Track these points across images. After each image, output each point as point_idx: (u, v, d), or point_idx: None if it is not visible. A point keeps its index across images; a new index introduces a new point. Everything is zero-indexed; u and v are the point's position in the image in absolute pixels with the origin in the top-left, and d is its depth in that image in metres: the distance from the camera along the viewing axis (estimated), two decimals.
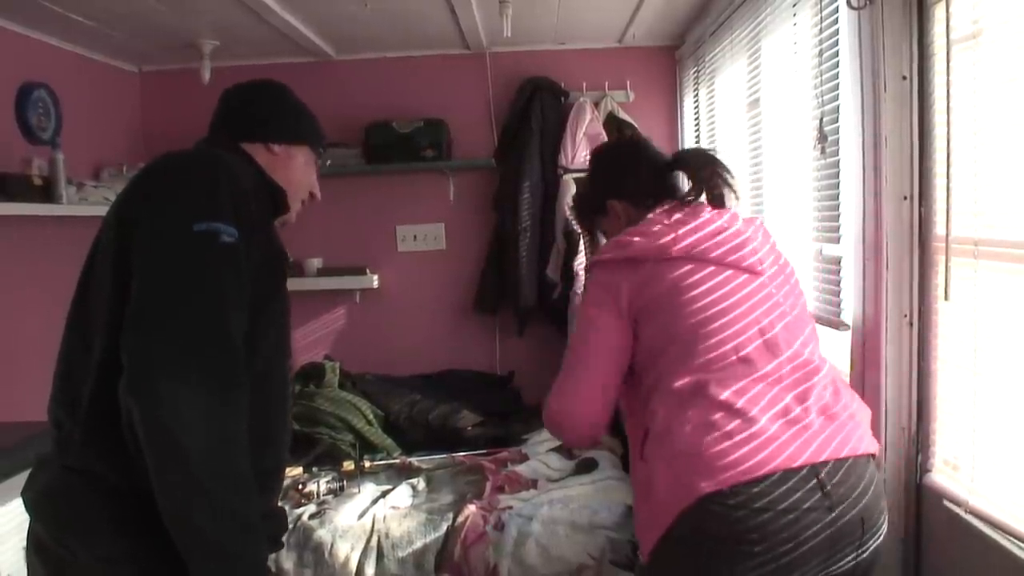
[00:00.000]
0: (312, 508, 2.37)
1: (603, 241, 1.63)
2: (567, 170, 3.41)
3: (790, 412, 1.30)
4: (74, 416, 1.19)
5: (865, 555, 1.31)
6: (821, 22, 1.96)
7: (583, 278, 1.45)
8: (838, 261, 1.95)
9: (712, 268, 1.40)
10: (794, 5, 2.17)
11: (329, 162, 1.52)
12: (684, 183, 1.57)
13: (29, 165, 2.60)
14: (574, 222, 1.69)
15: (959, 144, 1.55)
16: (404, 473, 2.66)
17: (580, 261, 3.15)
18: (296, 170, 1.42)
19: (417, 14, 2.95)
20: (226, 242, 1.14)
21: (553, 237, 3.40)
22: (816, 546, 1.24)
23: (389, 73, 3.60)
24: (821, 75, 1.96)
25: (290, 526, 2.22)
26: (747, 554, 1.23)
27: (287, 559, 2.21)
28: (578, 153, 3.41)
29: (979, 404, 1.51)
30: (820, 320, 2.07)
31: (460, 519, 2.25)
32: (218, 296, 1.13)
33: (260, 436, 1.19)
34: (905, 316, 1.74)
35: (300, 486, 2.49)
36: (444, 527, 2.25)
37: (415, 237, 3.69)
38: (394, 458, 2.79)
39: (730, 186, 1.55)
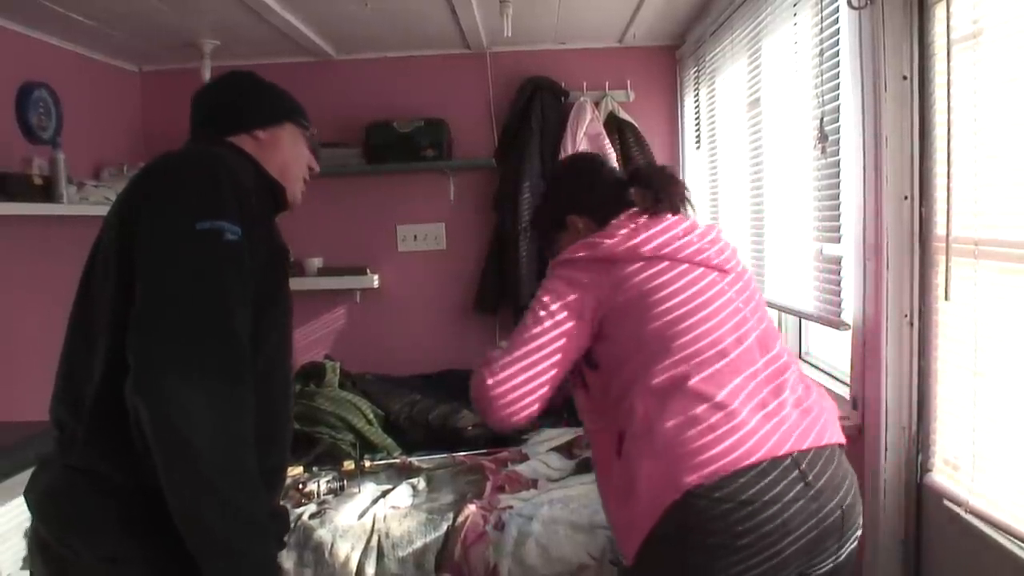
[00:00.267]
0: (312, 508, 2.37)
1: None
2: None
3: (767, 405, 1.33)
4: (78, 416, 1.19)
5: (842, 557, 1.34)
6: (822, 22, 1.96)
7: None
8: (838, 261, 1.95)
9: (685, 266, 1.42)
10: (794, 5, 2.17)
11: (317, 131, 1.51)
12: (643, 198, 1.57)
13: (30, 165, 2.60)
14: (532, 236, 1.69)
15: (959, 144, 1.55)
16: (404, 473, 2.66)
17: None
18: (287, 150, 1.42)
19: (417, 14, 2.95)
20: (230, 240, 1.14)
21: None
22: (801, 537, 1.25)
23: (389, 73, 3.60)
24: (822, 75, 1.96)
25: (290, 526, 2.22)
26: (733, 548, 1.23)
27: (287, 559, 2.21)
28: None
29: (979, 404, 1.51)
30: (820, 320, 2.08)
31: (460, 519, 2.25)
32: (223, 294, 1.13)
33: (264, 435, 1.19)
34: (905, 316, 1.74)
35: (300, 486, 2.49)
36: (444, 527, 2.25)
37: (415, 237, 3.69)
38: (394, 458, 2.79)
39: (689, 201, 1.57)
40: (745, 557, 1.24)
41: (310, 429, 2.79)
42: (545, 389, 1.41)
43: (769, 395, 1.34)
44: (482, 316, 3.62)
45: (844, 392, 2.05)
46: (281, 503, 1.47)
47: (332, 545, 2.21)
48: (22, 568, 1.98)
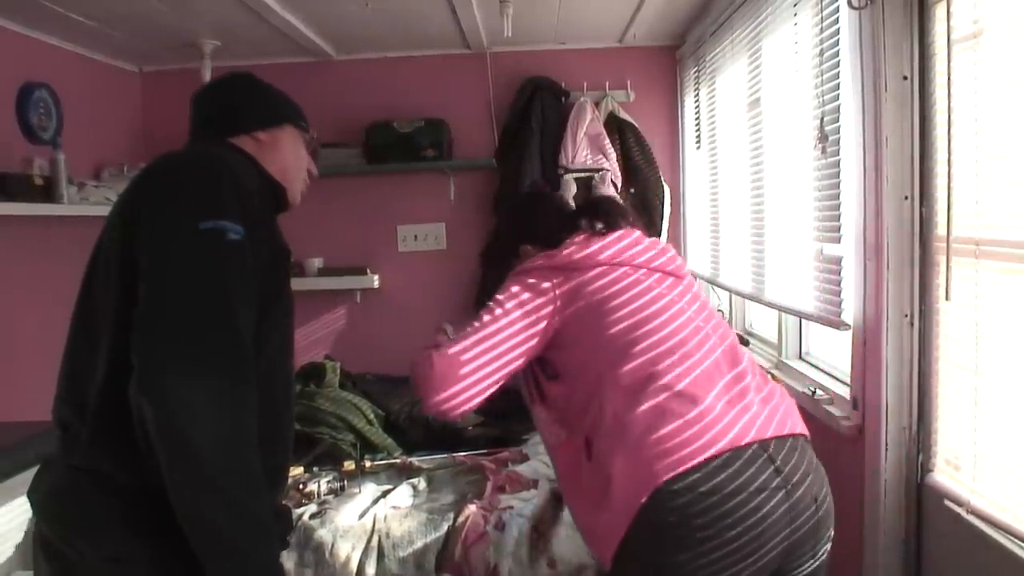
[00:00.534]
0: (313, 508, 2.37)
1: None
2: (567, 170, 3.41)
3: (732, 394, 1.36)
4: (82, 416, 1.19)
5: (822, 558, 1.36)
6: (822, 22, 1.96)
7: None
8: (839, 261, 1.95)
9: (642, 272, 1.48)
10: (795, 5, 2.17)
11: (316, 133, 1.52)
12: (592, 226, 1.60)
13: (30, 165, 2.60)
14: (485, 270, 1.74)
15: (960, 144, 1.55)
16: (405, 473, 2.66)
17: None
18: (287, 152, 1.42)
19: (417, 14, 2.95)
20: (233, 239, 1.14)
21: None
22: (777, 527, 1.26)
23: (389, 73, 3.60)
24: (822, 75, 1.96)
25: (293, 525, 2.22)
26: (708, 540, 1.24)
27: (288, 559, 2.21)
28: (579, 153, 3.41)
29: (981, 404, 1.51)
30: (821, 320, 2.08)
31: (461, 519, 2.25)
32: (226, 293, 1.13)
33: (266, 435, 1.19)
34: (906, 316, 1.74)
35: (301, 486, 2.49)
36: (445, 527, 2.25)
37: (416, 237, 3.69)
38: (395, 458, 2.78)
39: (637, 225, 1.61)
40: (720, 545, 1.24)
41: (310, 429, 2.79)
42: (488, 382, 1.42)
43: (732, 383, 1.38)
44: None
45: (844, 392, 2.05)
46: (283, 503, 1.47)
47: (333, 545, 2.21)
48: (13, 571, 1.98)
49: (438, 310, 3.68)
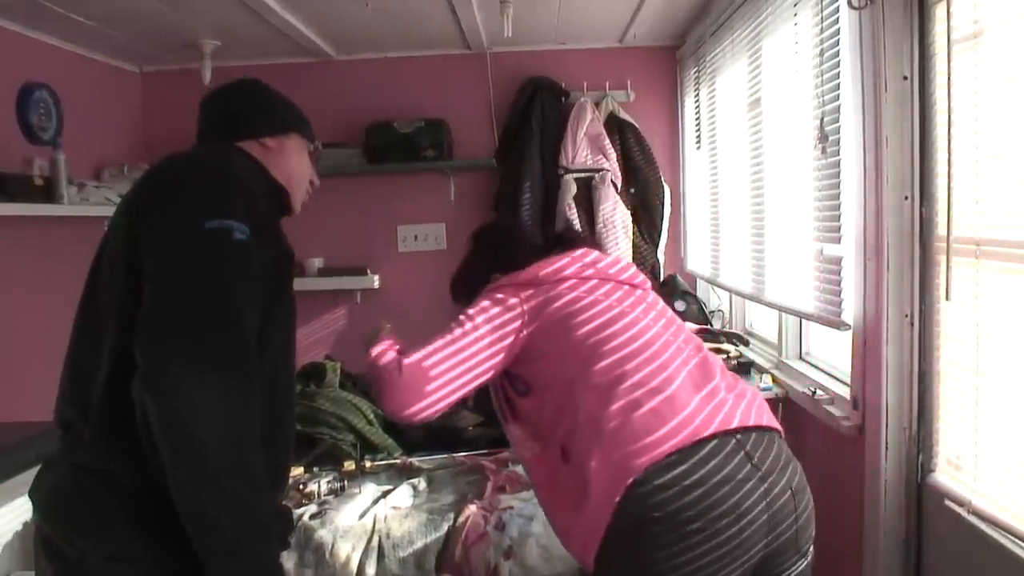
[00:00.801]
0: (313, 508, 2.36)
1: None
2: (568, 170, 3.41)
3: (702, 388, 1.38)
4: (85, 416, 1.19)
5: (808, 558, 1.36)
6: (822, 22, 1.96)
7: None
8: (839, 261, 1.95)
9: (610, 284, 1.52)
10: (795, 5, 2.17)
11: (320, 144, 1.52)
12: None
13: (30, 165, 2.60)
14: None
15: (960, 144, 1.55)
16: (405, 473, 2.66)
17: None
18: (293, 160, 1.42)
19: (418, 14, 2.95)
20: (238, 239, 1.14)
21: None
22: (756, 519, 1.26)
23: (389, 73, 3.60)
24: (822, 75, 1.96)
25: (294, 525, 2.22)
26: (688, 533, 1.23)
27: (288, 559, 2.20)
28: (579, 153, 3.41)
29: (981, 404, 1.51)
30: (821, 320, 2.08)
31: (461, 519, 2.25)
32: (231, 293, 1.13)
33: (268, 435, 1.19)
34: (906, 316, 1.74)
35: (301, 486, 2.49)
36: (445, 527, 2.24)
37: (416, 237, 3.69)
38: (395, 458, 2.78)
39: (603, 252, 1.67)
40: (701, 541, 1.24)
41: (311, 430, 2.78)
42: (454, 397, 1.46)
43: (702, 379, 1.41)
44: None
45: (844, 392, 2.05)
46: (284, 503, 1.47)
47: (333, 545, 2.21)
48: (13, 571, 1.98)
49: (438, 310, 3.65)
